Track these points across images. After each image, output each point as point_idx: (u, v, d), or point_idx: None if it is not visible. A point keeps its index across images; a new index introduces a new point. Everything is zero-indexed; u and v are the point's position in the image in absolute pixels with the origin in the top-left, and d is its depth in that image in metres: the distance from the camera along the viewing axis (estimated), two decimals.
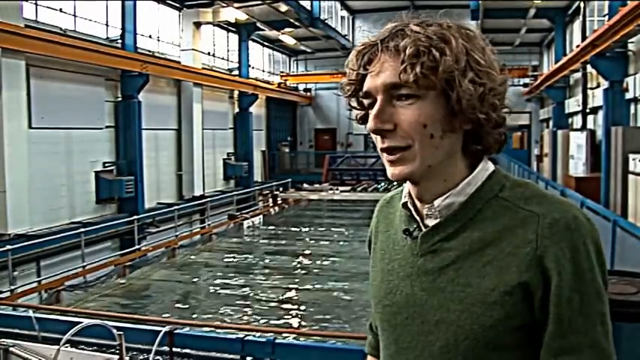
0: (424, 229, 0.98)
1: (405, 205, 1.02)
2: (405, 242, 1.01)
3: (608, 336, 0.88)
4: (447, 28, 0.91)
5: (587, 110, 14.72)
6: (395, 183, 1.03)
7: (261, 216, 17.84)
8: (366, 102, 0.96)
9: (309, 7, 20.74)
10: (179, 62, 16.81)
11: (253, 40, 23.35)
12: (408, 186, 1.01)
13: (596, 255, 0.88)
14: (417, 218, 0.99)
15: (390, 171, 0.95)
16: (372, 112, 0.93)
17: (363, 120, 0.99)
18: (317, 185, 21.83)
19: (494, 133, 0.95)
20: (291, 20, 19.82)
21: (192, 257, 12.97)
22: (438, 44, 0.88)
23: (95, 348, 4.01)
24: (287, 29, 21.30)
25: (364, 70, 0.94)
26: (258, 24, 20.00)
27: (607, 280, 0.90)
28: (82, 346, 3.94)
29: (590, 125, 14.58)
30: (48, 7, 12.41)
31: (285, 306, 9.16)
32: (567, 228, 0.87)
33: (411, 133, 0.91)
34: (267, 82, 24.49)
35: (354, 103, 1.00)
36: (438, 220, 0.96)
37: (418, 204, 0.99)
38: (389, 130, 0.92)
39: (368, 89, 0.94)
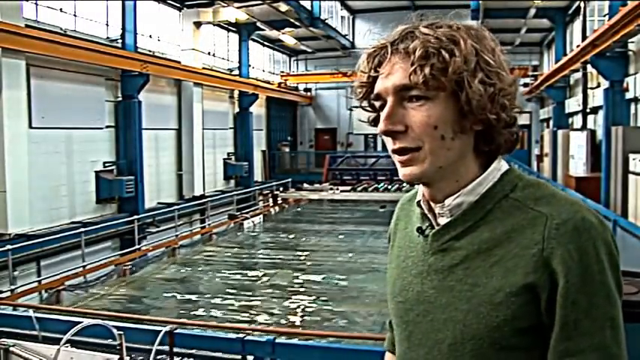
0: (436, 228, 0.99)
1: (418, 203, 1.03)
2: (419, 240, 1.03)
3: (619, 340, 0.87)
4: (456, 29, 0.91)
5: (588, 110, 14.71)
6: (405, 184, 1.04)
7: (261, 216, 17.82)
8: (377, 104, 0.97)
9: (309, 7, 20.76)
10: (179, 62, 16.81)
11: (253, 40, 23.35)
12: (421, 185, 1.02)
13: (607, 257, 0.87)
14: (430, 217, 1.01)
15: (402, 172, 0.95)
16: (383, 114, 0.94)
17: (375, 122, 1.00)
18: (317, 185, 21.80)
19: (506, 133, 0.95)
20: (292, 20, 19.81)
21: (193, 257, 12.97)
22: (448, 46, 0.89)
23: (95, 348, 4.01)
24: (287, 29, 21.29)
25: (375, 72, 0.95)
26: (259, 24, 19.99)
27: (621, 283, 0.89)
28: (83, 346, 3.94)
29: (590, 125, 14.57)
30: (48, 7, 12.41)
31: (285, 305, 9.16)
32: (575, 229, 0.86)
33: (422, 135, 0.91)
34: (268, 82, 24.49)
35: (366, 106, 1.01)
36: (448, 219, 0.97)
37: (432, 202, 1.00)
38: (400, 132, 0.93)
39: (379, 91, 0.95)
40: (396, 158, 0.95)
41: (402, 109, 0.92)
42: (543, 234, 0.87)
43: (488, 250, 0.92)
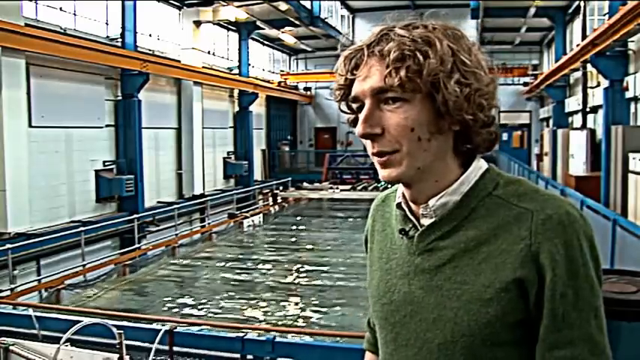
0: (420, 229, 0.99)
1: (399, 205, 1.03)
2: (402, 242, 1.03)
3: (602, 329, 0.90)
4: (432, 30, 0.91)
5: (588, 109, 14.72)
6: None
7: (261, 215, 17.84)
8: (354, 106, 0.98)
9: (309, 6, 20.73)
10: (179, 61, 16.80)
11: (253, 39, 23.33)
12: (401, 187, 1.02)
13: (589, 250, 0.90)
14: (412, 218, 1.01)
15: (381, 174, 0.96)
16: (360, 117, 0.94)
17: (354, 123, 1.00)
18: (317, 184, 21.84)
19: (484, 133, 0.95)
20: (291, 19, 19.80)
21: (193, 256, 12.98)
22: (422, 47, 0.89)
23: (95, 347, 4.01)
24: (287, 28, 21.29)
25: (352, 75, 0.95)
26: (258, 23, 19.98)
27: (601, 274, 0.92)
28: (82, 345, 3.94)
29: (590, 124, 14.57)
30: (48, 6, 12.40)
31: (285, 304, 9.17)
32: (560, 224, 0.89)
33: (399, 137, 0.92)
34: (267, 81, 24.48)
35: (344, 107, 1.01)
36: (433, 220, 0.97)
37: (412, 204, 1.01)
38: (377, 135, 0.93)
39: (356, 94, 0.95)
40: (375, 160, 0.96)
41: (379, 111, 0.93)
42: (530, 229, 0.89)
43: (475, 248, 0.93)
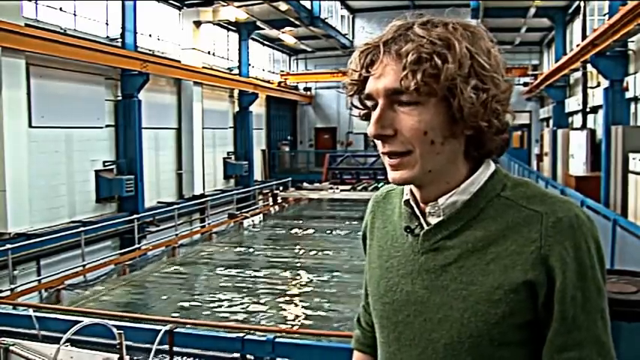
0: (426, 227, 0.98)
1: (407, 202, 1.02)
2: (406, 240, 1.01)
3: (608, 330, 0.90)
4: (452, 30, 0.89)
5: (588, 109, 14.71)
6: None
7: (261, 215, 17.85)
8: (368, 103, 0.97)
9: (309, 6, 20.73)
10: (179, 61, 16.80)
11: (253, 39, 23.33)
12: (411, 186, 1.01)
13: (596, 252, 0.90)
14: (419, 215, 1.00)
15: (391, 175, 0.95)
16: (373, 118, 0.93)
17: (366, 117, 0.99)
18: (317, 184, 21.82)
19: (497, 140, 0.95)
20: (292, 19, 19.80)
21: (193, 256, 12.97)
22: (441, 50, 0.87)
23: (95, 347, 4.01)
24: (287, 28, 21.28)
25: (366, 72, 0.93)
26: (258, 23, 19.98)
27: (606, 276, 0.93)
28: (82, 345, 3.94)
29: (590, 124, 14.56)
30: (48, 7, 12.40)
31: (285, 304, 9.16)
32: (570, 226, 0.89)
33: (412, 140, 0.91)
34: (268, 81, 24.47)
35: (356, 102, 1.00)
36: (440, 218, 0.97)
37: (420, 202, 1.00)
38: (389, 136, 0.92)
39: (369, 92, 0.94)
40: (386, 161, 0.95)
41: (392, 112, 0.92)
42: (540, 232, 0.89)
43: (483, 248, 0.92)
